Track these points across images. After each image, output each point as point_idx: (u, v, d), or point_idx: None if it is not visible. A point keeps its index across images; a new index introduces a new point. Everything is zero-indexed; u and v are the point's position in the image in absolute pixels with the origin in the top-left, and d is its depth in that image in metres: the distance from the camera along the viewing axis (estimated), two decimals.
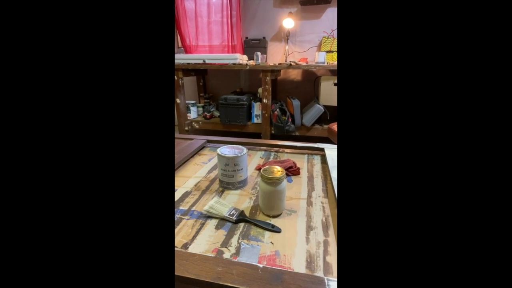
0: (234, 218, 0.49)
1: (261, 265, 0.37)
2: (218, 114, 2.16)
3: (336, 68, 1.82)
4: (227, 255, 0.41)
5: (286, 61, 2.17)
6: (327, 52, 2.04)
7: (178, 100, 2.06)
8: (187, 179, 0.68)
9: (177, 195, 0.60)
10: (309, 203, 0.57)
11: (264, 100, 1.91)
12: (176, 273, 0.36)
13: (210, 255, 0.41)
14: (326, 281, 0.35)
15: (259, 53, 2.03)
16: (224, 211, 0.51)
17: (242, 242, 0.44)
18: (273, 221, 0.50)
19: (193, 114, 2.25)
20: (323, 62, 1.94)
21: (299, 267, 0.39)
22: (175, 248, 0.42)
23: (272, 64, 1.94)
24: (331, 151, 0.80)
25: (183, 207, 0.55)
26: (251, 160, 0.81)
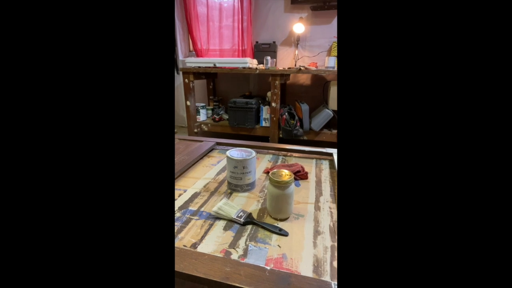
0: (242, 220, 0.50)
1: (268, 267, 0.38)
2: (227, 117, 2.18)
3: None
4: (234, 256, 0.42)
5: (295, 66, 2.18)
6: (337, 57, 2.04)
7: (188, 103, 2.10)
8: (196, 180, 0.69)
9: (187, 196, 0.61)
10: (317, 208, 0.57)
11: (273, 104, 1.92)
12: (185, 272, 0.37)
13: (219, 255, 0.41)
14: (333, 285, 0.35)
15: (269, 58, 2.04)
16: (232, 213, 0.51)
17: (249, 244, 0.45)
18: (280, 225, 0.50)
19: (202, 116, 2.29)
20: (333, 67, 1.93)
21: (306, 271, 0.39)
22: (185, 247, 0.43)
23: (282, 69, 1.95)
24: None
25: (193, 207, 0.56)
26: (259, 164, 0.81)
